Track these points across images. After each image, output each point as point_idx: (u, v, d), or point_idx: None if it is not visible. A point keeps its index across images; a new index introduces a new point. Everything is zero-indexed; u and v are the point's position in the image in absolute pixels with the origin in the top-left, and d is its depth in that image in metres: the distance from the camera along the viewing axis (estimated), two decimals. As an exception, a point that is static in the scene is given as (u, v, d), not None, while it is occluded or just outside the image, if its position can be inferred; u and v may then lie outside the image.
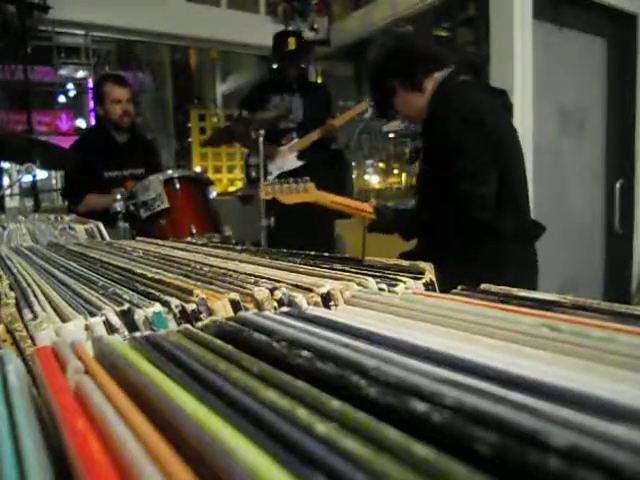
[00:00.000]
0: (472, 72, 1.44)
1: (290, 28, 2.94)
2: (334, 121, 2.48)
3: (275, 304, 0.38)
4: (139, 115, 2.19)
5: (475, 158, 1.27)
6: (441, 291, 0.44)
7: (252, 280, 0.44)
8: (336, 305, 0.39)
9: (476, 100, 1.34)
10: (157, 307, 0.35)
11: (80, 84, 3.83)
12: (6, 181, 2.74)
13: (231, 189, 5.48)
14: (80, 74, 3.70)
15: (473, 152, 1.27)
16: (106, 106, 2.07)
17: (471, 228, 1.30)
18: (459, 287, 0.40)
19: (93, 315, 0.34)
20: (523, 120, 2.03)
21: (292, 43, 2.46)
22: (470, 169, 1.27)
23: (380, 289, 0.41)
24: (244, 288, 0.40)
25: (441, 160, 1.33)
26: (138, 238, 1.03)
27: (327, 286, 0.39)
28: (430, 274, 0.45)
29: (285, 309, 0.36)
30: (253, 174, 2.38)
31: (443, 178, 1.31)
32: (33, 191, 2.64)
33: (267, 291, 0.39)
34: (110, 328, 0.33)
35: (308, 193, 1.43)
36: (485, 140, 1.27)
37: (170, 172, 1.78)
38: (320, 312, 0.34)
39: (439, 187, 1.34)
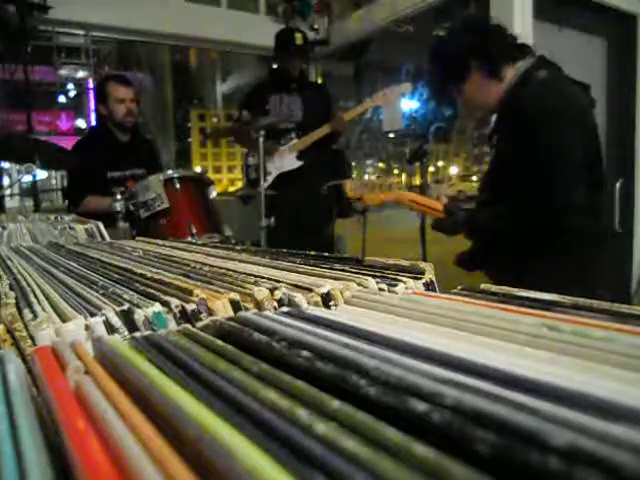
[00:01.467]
0: (552, 65, 1.29)
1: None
2: (344, 115, 2.47)
3: (275, 304, 0.38)
4: (140, 115, 2.19)
5: (572, 161, 1.16)
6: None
7: (252, 280, 0.44)
8: (336, 305, 0.39)
9: (573, 97, 1.21)
10: (157, 307, 0.35)
11: (80, 84, 3.83)
12: (6, 181, 2.75)
13: (231, 189, 5.48)
14: (80, 74, 3.70)
15: (571, 154, 1.16)
16: (110, 105, 2.07)
17: (560, 235, 1.19)
18: (459, 287, 0.40)
19: (93, 315, 0.34)
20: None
21: (299, 38, 2.45)
22: (567, 173, 1.15)
23: (380, 289, 0.41)
24: (244, 288, 0.40)
25: (528, 160, 1.19)
26: (138, 238, 1.03)
27: (327, 286, 0.39)
28: (430, 274, 0.45)
29: (285, 309, 0.36)
30: (253, 174, 2.38)
31: (530, 180, 1.18)
32: (33, 191, 2.65)
33: (267, 291, 0.39)
34: (110, 328, 0.33)
35: (391, 193, 1.39)
36: (581, 140, 1.17)
37: (170, 172, 1.78)
38: (320, 312, 0.34)
39: (523, 189, 1.19)
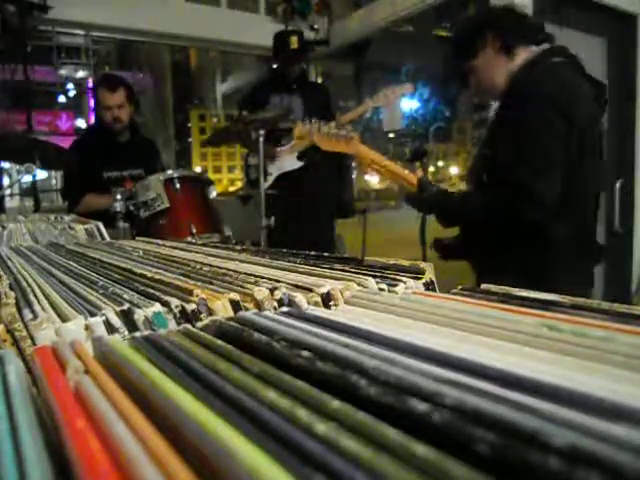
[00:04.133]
0: (571, 55, 1.25)
1: (290, 28, 2.94)
2: (341, 118, 2.48)
3: (275, 304, 0.38)
4: (139, 115, 2.19)
5: (547, 151, 1.11)
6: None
7: (252, 280, 0.44)
8: (336, 305, 0.39)
9: (570, 87, 1.16)
10: (157, 307, 0.35)
11: (80, 84, 3.83)
12: (6, 181, 2.74)
13: (231, 189, 5.48)
14: (80, 74, 3.70)
15: (547, 144, 1.11)
16: (99, 111, 2.08)
17: (523, 228, 1.15)
18: (459, 287, 0.40)
19: (93, 315, 0.34)
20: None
21: (294, 42, 2.45)
22: (536, 161, 1.10)
23: (380, 289, 0.41)
24: (244, 288, 0.40)
25: (509, 145, 1.15)
26: (138, 238, 1.03)
27: (327, 286, 0.39)
28: (430, 274, 0.45)
29: (285, 309, 0.36)
30: (253, 174, 2.38)
31: (504, 165, 1.14)
32: (33, 191, 2.65)
33: (267, 291, 0.39)
34: (110, 328, 0.33)
35: (349, 145, 1.28)
36: (566, 136, 1.11)
37: (170, 172, 1.78)
38: (320, 312, 0.34)
39: (498, 175, 1.16)
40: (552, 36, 1.27)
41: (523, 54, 1.21)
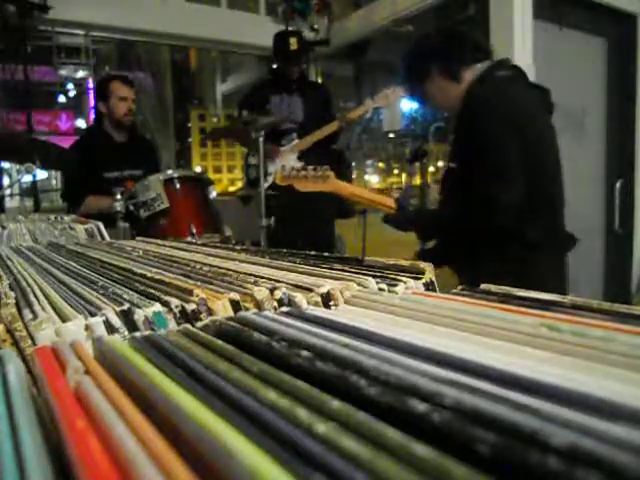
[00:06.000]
0: (514, 67, 1.34)
1: (290, 28, 2.94)
2: (349, 114, 2.48)
3: (275, 304, 0.38)
4: (139, 115, 2.21)
5: (507, 160, 1.18)
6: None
7: (252, 280, 0.44)
8: (336, 305, 0.39)
9: (517, 98, 1.25)
10: (157, 307, 0.35)
11: (80, 84, 3.83)
12: (6, 181, 2.74)
13: (231, 189, 5.48)
14: (80, 74, 3.70)
15: (506, 153, 1.19)
16: (111, 103, 2.09)
17: (495, 234, 1.22)
18: (459, 287, 0.40)
19: (93, 315, 0.34)
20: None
21: (294, 43, 2.46)
22: (500, 171, 1.18)
23: (380, 289, 0.41)
24: (244, 288, 0.40)
25: (470, 158, 1.24)
26: (138, 238, 1.03)
27: (327, 286, 0.39)
28: (430, 274, 0.45)
29: (285, 309, 0.36)
30: (253, 174, 2.39)
31: (470, 178, 1.22)
32: (33, 191, 2.65)
33: (267, 291, 0.39)
34: (110, 328, 0.33)
35: (326, 183, 1.35)
36: (521, 143, 1.18)
37: (170, 172, 1.78)
38: (320, 312, 0.34)
39: (465, 187, 1.24)
40: (491, 50, 1.36)
41: (468, 75, 1.29)
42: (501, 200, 1.18)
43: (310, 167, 1.36)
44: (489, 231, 1.22)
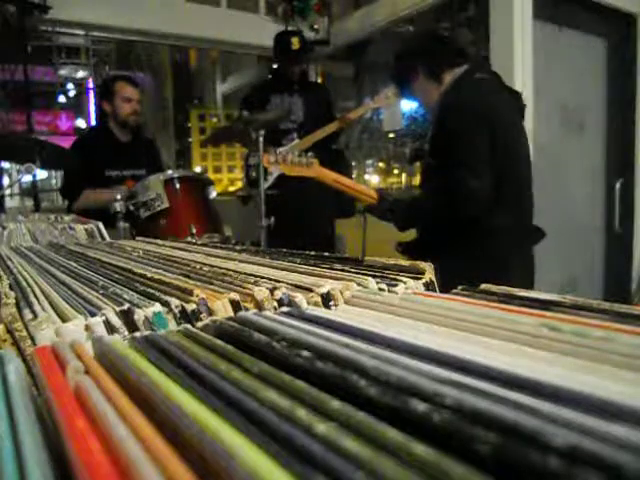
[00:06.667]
0: (490, 71, 1.46)
1: (290, 28, 2.94)
2: (350, 114, 2.48)
3: (275, 304, 0.38)
4: (140, 115, 2.21)
5: (475, 153, 1.29)
6: (439, 287, 0.44)
7: (252, 280, 0.44)
8: (336, 305, 0.39)
9: (487, 98, 1.35)
10: (157, 307, 0.35)
11: (80, 84, 3.83)
12: (6, 181, 2.74)
13: (231, 189, 5.48)
14: (80, 74, 3.70)
15: (475, 147, 1.29)
16: (115, 103, 2.09)
17: (461, 222, 1.32)
18: (459, 287, 0.40)
19: (93, 315, 0.34)
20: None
21: (296, 43, 2.45)
22: (468, 161, 1.28)
23: (380, 289, 0.41)
24: (244, 288, 0.40)
25: (444, 152, 1.34)
26: (138, 238, 1.03)
27: (327, 286, 0.39)
28: (430, 274, 0.45)
29: (285, 309, 0.36)
30: (253, 174, 2.38)
31: (444, 172, 1.32)
32: (33, 191, 2.64)
33: (267, 291, 0.39)
34: (110, 328, 0.33)
35: (310, 169, 1.43)
36: (490, 138, 1.28)
37: (170, 172, 1.79)
38: (320, 312, 0.34)
39: (441, 180, 1.34)
40: (471, 55, 1.52)
41: (448, 77, 1.41)
42: (469, 187, 1.27)
43: (296, 153, 1.43)
44: (456, 219, 1.32)
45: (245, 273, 0.48)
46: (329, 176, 1.44)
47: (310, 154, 1.44)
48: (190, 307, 0.36)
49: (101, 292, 0.41)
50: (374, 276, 0.44)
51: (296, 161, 1.43)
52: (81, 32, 2.90)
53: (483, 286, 0.39)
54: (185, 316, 0.36)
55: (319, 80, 3.44)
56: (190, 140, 5.94)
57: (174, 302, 0.36)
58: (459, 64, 1.41)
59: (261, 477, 0.14)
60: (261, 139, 1.94)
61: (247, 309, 0.38)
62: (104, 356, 0.26)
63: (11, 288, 0.44)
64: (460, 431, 0.15)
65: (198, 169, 5.71)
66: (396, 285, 0.42)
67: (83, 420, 0.18)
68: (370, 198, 1.43)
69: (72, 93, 3.97)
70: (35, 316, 0.34)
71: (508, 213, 1.33)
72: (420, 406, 0.17)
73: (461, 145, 1.30)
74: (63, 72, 3.43)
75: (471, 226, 1.33)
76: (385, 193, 1.47)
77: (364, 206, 1.47)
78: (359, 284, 0.42)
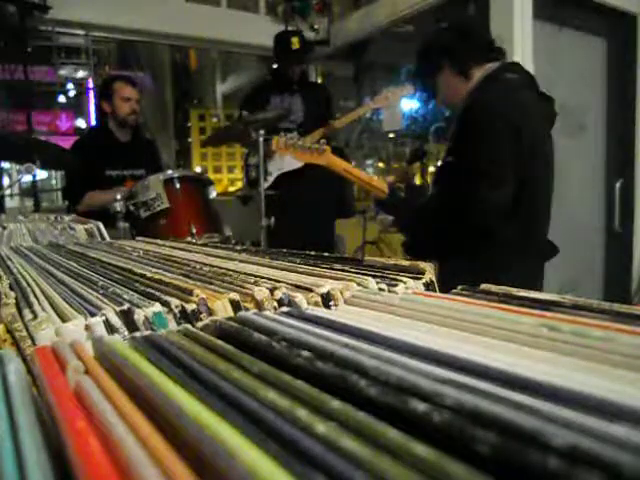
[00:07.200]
0: (523, 70, 1.35)
1: (290, 28, 2.94)
2: (335, 123, 2.48)
3: (275, 304, 0.38)
4: (140, 115, 2.21)
5: (497, 160, 1.20)
6: (439, 288, 0.44)
7: (252, 280, 0.44)
8: (336, 305, 0.39)
9: (519, 103, 1.25)
10: (157, 307, 0.35)
11: (80, 84, 3.83)
12: (6, 181, 2.75)
13: (231, 189, 5.48)
14: (80, 74, 3.70)
15: (498, 153, 1.21)
16: (115, 102, 2.09)
17: (471, 231, 1.25)
18: (459, 287, 0.40)
19: (93, 315, 0.34)
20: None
21: (296, 42, 2.46)
22: (489, 169, 1.20)
23: (380, 289, 0.41)
24: (244, 288, 0.40)
25: (467, 155, 1.26)
26: (138, 238, 1.03)
27: (327, 286, 0.39)
28: (430, 274, 0.45)
29: (285, 309, 0.36)
30: (253, 174, 2.38)
31: (463, 174, 1.24)
32: (33, 191, 2.65)
33: (267, 291, 0.39)
34: (110, 328, 0.33)
35: (321, 156, 1.39)
36: (515, 144, 1.20)
37: (170, 172, 1.79)
38: (320, 312, 0.34)
39: (458, 182, 1.26)
40: (503, 50, 1.38)
41: (478, 73, 1.30)
42: (489, 199, 1.20)
43: (308, 137, 1.42)
44: (467, 228, 1.24)
45: (245, 273, 0.48)
46: (340, 165, 1.40)
47: (323, 140, 1.42)
48: (190, 307, 0.36)
49: (101, 292, 0.41)
50: (374, 276, 0.44)
51: (307, 147, 1.39)
52: (81, 32, 2.90)
53: (483, 286, 0.39)
54: (185, 316, 0.36)
55: (319, 80, 3.44)
56: (190, 140, 5.94)
57: (174, 302, 0.36)
58: (490, 59, 1.30)
59: (261, 477, 0.14)
60: (261, 139, 1.94)
61: (247, 309, 0.38)
62: (104, 356, 0.26)
63: (11, 288, 0.44)
64: (460, 431, 0.15)
65: (198, 169, 5.71)
66: (396, 285, 0.42)
67: (83, 420, 0.18)
68: (380, 192, 1.37)
69: (72, 93, 3.96)
70: (35, 316, 0.34)
71: (518, 226, 1.25)
72: (420, 406, 0.17)
73: (484, 150, 1.21)
74: (63, 72, 3.43)
75: (476, 233, 1.25)
76: (396, 189, 1.40)
77: (374, 200, 1.42)
78: (359, 284, 0.42)
